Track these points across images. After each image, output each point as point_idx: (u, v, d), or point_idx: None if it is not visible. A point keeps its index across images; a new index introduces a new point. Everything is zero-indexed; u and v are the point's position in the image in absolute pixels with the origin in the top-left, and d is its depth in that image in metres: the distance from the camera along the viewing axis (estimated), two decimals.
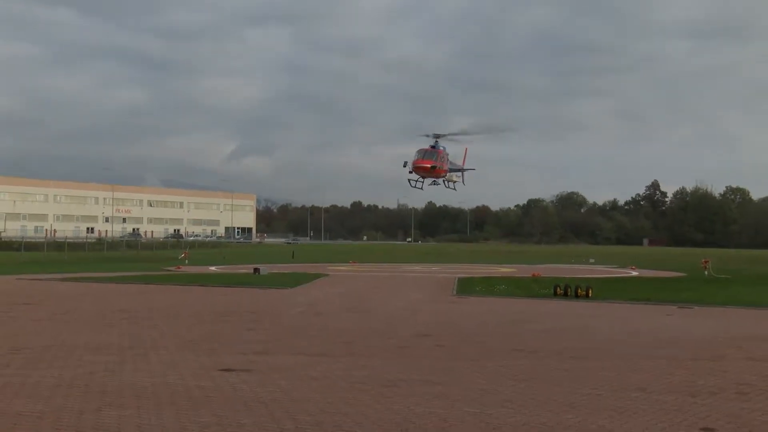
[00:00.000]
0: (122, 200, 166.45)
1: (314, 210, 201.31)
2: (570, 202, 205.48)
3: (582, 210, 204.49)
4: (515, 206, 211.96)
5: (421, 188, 44.70)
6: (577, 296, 26.43)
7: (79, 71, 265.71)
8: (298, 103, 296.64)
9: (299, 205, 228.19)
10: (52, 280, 35.06)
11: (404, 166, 42.49)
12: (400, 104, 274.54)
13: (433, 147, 43.50)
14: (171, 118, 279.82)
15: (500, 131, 51.38)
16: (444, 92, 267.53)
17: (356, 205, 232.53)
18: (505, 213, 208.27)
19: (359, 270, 48.90)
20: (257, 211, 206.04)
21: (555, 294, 27.19)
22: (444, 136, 44.07)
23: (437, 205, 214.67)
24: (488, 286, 31.01)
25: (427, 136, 43.90)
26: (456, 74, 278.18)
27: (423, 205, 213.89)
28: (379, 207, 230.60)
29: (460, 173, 47.06)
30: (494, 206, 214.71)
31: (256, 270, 40.07)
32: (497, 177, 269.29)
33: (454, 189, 46.77)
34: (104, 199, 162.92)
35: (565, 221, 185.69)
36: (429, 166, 42.72)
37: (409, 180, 43.64)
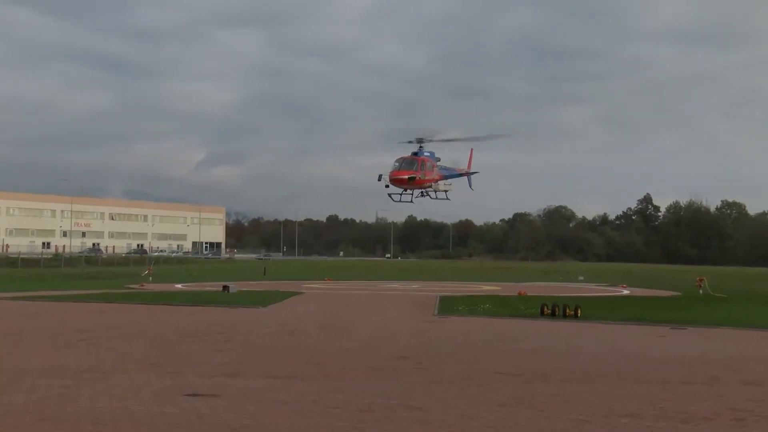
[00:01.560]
0: (81, 213, 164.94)
1: (288, 224, 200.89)
2: (558, 216, 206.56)
3: (571, 225, 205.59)
4: (500, 221, 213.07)
5: (411, 201, 42.38)
6: (565, 316, 26.48)
7: (35, 74, 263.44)
8: (272, 109, 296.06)
9: (272, 219, 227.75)
10: (3, 299, 34.59)
11: (379, 180, 39.93)
12: (380, 110, 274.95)
13: (415, 154, 41.20)
14: (135, 124, 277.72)
15: (495, 137, 48.91)
16: (426, 97, 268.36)
17: (332, 219, 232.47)
18: (489, 228, 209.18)
19: (335, 288, 48.75)
20: (227, 224, 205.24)
21: (542, 313, 27.20)
22: (428, 141, 41.90)
23: (418, 219, 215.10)
24: (471, 305, 30.94)
25: (410, 142, 41.70)
26: (438, 79, 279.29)
27: (403, 219, 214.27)
28: (357, 221, 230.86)
29: (451, 180, 44.10)
30: (478, 220, 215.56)
31: (225, 288, 39.84)
32: (481, 189, 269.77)
33: (447, 198, 43.69)
34: (62, 211, 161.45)
35: (552, 236, 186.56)
36: (407, 177, 40.03)
37: (389, 195, 41.41)
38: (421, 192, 42.34)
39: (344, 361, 15.72)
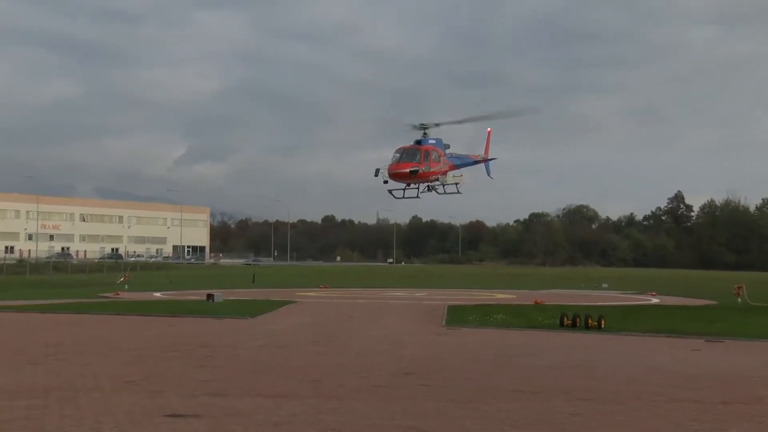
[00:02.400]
0: (49, 214, 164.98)
1: (279, 225, 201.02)
2: (579, 216, 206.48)
3: (593, 226, 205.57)
4: (515, 222, 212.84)
5: (416, 196, 41.69)
6: (587, 327, 26.51)
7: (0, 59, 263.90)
8: (259, 99, 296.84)
9: (261, 220, 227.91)
10: None
11: (376, 175, 39.05)
12: (378, 101, 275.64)
13: (418, 143, 40.39)
14: (108, 115, 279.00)
15: (515, 115, 46.75)
16: (429, 87, 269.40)
17: (328, 220, 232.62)
18: (502, 229, 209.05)
19: (331, 296, 48.76)
20: (211, 226, 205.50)
21: (561, 325, 27.25)
22: (432, 126, 40.94)
23: (424, 220, 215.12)
24: (483, 316, 30.99)
25: (414, 127, 40.96)
26: (443, 66, 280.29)
27: (407, 220, 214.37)
28: (356, 222, 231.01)
29: (463, 171, 43.11)
30: (490, 221, 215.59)
31: (209, 296, 39.88)
32: (493, 187, 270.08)
33: (458, 192, 42.46)
34: (27, 212, 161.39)
35: (573, 239, 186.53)
36: (408, 170, 39.22)
37: (390, 192, 40.97)
38: (427, 186, 41.53)
39: (342, 379, 15.68)
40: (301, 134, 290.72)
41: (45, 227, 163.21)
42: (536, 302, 40.54)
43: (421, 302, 42.93)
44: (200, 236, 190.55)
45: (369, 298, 46.61)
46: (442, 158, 41.04)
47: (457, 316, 31.59)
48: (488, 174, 46.28)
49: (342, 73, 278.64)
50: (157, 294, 49.47)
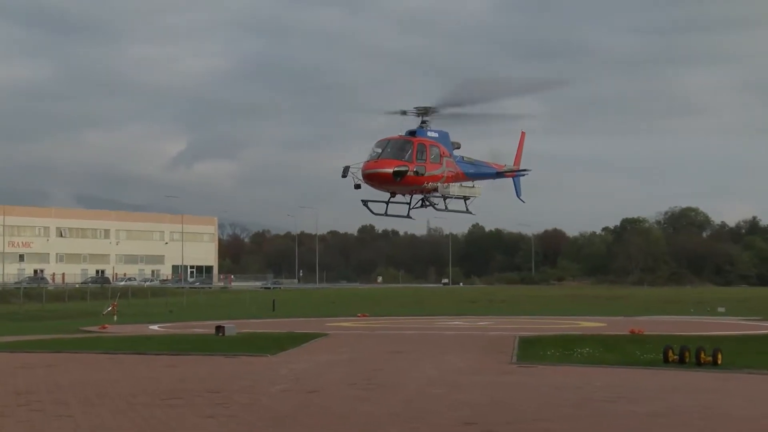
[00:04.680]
0: (18, 228, 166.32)
1: (304, 239, 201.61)
2: (685, 222, 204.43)
3: (704, 234, 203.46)
4: (603, 230, 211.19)
5: (407, 215, 38.68)
6: (699, 364, 26.23)
7: None
8: (276, 80, 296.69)
9: (282, 232, 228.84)
10: None
11: (344, 176, 35.75)
12: (422, 79, 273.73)
13: (412, 133, 36.77)
14: (87, 103, 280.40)
15: (546, 88, 43.69)
16: (486, 60, 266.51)
17: (366, 231, 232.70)
18: (587, 240, 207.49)
19: (372, 326, 48.75)
20: (220, 241, 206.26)
21: (666, 360, 26.99)
22: (437, 112, 37.37)
23: (486, 230, 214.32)
24: (564, 349, 30.87)
25: (403, 113, 37.51)
26: (504, 33, 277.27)
27: (465, 230, 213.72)
28: (401, 233, 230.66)
29: (479, 183, 39.68)
30: (571, 230, 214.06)
31: (219, 329, 40.05)
32: (574, 187, 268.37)
33: (468, 211, 39.39)
34: None
35: (678, 251, 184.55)
36: (391, 171, 35.00)
37: (365, 204, 37.80)
38: (422, 199, 37.92)
39: (386, 429, 15.70)
40: (329, 123, 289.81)
41: (12, 245, 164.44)
42: (632, 332, 40.13)
43: (484, 333, 42.77)
44: (206, 254, 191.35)
45: (419, 329, 46.50)
46: (445, 159, 37.19)
47: (531, 350, 31.44)
48: (517, 194, 42.69)
49: (376, 46, 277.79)
50: (154, 327, 49.77)
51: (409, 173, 35.11)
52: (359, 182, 35.42)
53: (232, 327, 40.66)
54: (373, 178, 35.15)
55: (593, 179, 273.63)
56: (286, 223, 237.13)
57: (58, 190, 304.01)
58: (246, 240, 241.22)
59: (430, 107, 37.13)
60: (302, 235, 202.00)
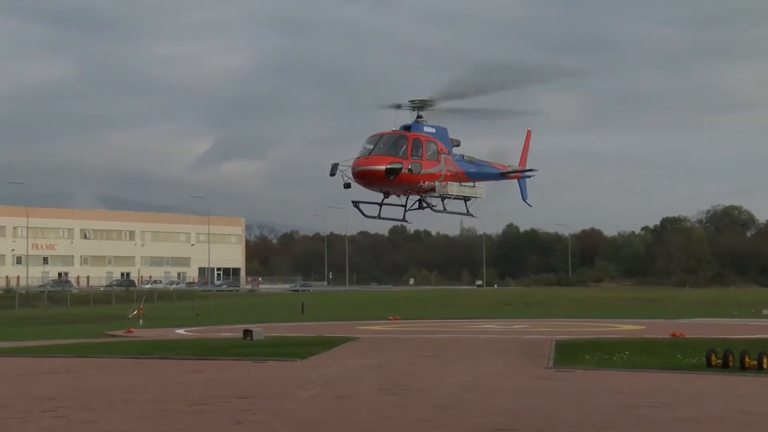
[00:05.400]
0: (42, 230, 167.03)
1: (334, 240, 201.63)
2: (728, 221, 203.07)
3: (748, 233, 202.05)
4: (642, 229, 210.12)
5: (402, 218, 37.25)
6: (744, 368, 26.07)
7: None
8: (304, 77, 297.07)
9: (310, 233, 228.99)
10: None
11: (332, 174, 33.91)
12: (452, 74, 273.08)
13: (407, 128, 34.77)
14: (111, 103, 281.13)
15: (553, 78, 40.86)
16: (519, 54, 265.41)
17: (397, 232, 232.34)
18: (626, 240, 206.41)
19: (404, 330, 48.77)
20: (247, 242, 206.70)
21: (709, 365, 26.88)
22: (434, 107, 35.52)
23: (521, 230, 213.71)
24: (603, 353, 30.79)
25: (397, 107, 35.43)
26: (537, 27, 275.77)
27: (499, 230, 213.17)
28: (433, 234, 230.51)
29: (481, 184, 38.00)
30: (609, 230, 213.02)
31: (246, 333, 40.18)
32: (612, 185, 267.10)
33: (468, 213, 37.67)
34: (14, 228, 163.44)
35: (721, 251, 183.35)
36: (383, 168, 32.98)
37: (355, 205, 36.12)
38: (419, 200, 36.16)
39: None
40: (359, 120, 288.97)
41: (36, 247, 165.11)
42: (674, 335, 40.06)
43: (520, 337, 42.72)
44: (233, 255, 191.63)
45: (453, 333, 46.51)
46: (443, 156, 35.29)
47: (569, 354, 31.35)
48: (523, 197, 40.84)
49: (405, 41, 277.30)
50: (180, 330, 50.03)
51: (403, 171, 33.18)
52: (349, 181, 33.64)
53: (260, 331, 40.81)
54: (363, 176, 33.16)
55: (631, 177, 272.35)
56: (315, 224, 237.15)
57: (82, 191, 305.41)
58: (274, 241, 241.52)
59: (426, 100, 35.18)
60: (332, 236, 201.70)
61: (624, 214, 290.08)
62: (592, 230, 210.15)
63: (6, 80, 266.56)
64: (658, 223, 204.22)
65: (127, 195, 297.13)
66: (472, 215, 37.99)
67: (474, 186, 37.52)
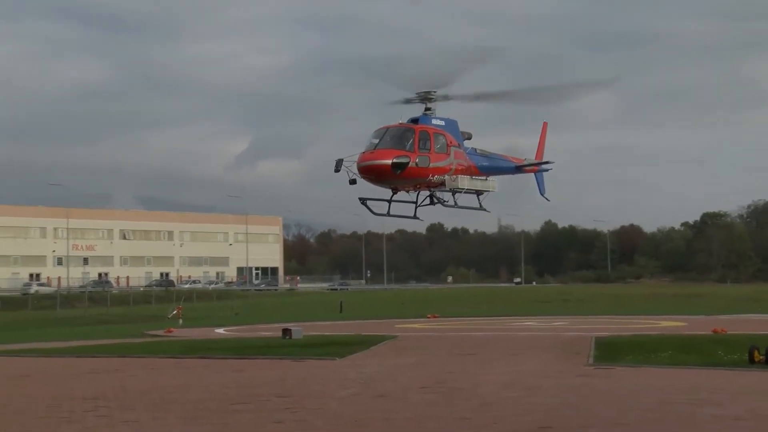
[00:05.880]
0: (81, 231, 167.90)
1: (371, 238, 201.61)
2: None
3: None
4: (682, 225, 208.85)
5: (414, 215, 35.58)
6: None
7: (6, 37, 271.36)
8: (339, 74, 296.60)
9: (348, 232, 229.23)
10: None
11: (337, 170, 32.59)
12: (489, 71, 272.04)
13: (414, 121, 33.78)
14: (148, 103, 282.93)
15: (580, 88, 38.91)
16: (554, 50, 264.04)
17: (435, 230, 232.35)
18: (666, 236, 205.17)
19: (442, 328, 48.74)
20: (285, 241, 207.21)
21: (751, 361, 26.65)
22: (444, 98, 34.53)
23: (560, 226, 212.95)
24: (643, 350, 30.66)
25: (407, 101, 34.59)
26: (572, 22, 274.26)
27: (537, 227, 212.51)
28: (471, 231, 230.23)
29: (490, 178, 36.36)
30: (649, 226, 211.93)
31: (285, 332, 40.32)
32: (651, 180, 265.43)
33: (481, 207, 36.28)
34: (54, 229, 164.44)
35: (763, 246, 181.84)
36: (389, 162, 31.83)
37: (362, 202, 34.75)
38: (430, 195, 35.05)
39: None
40: (395, 118, 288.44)
41: (76, 248, 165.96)
42: (715, 331, 39.82)
43: (559, 334, 42.61)
44: (271, 255, 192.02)
45: (491, 330, 46.42)
46: (453, 149, 34.00)
47: (609, 351, 31.24)
48: (541, 192, 39.56)
49: (439, 38, 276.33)
50: (220, 330, 50.24)
51: (410, 165, 31.85)
52: (354, 177, 32.44)
53: (298, 330, 40.94)
54: (369, 171, 31.99)
55: (670, 172, 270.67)
56: (353, 223, 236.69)
57: (121, 191, 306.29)
58: (311, 240, 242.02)
59: (433, 91, 33.99)
60: (369, 234, 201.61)
61: (663, 210, 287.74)
62: (631, 226, 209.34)
63: (46, 82, 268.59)
64: (698, 218, 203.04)
65: (165, 195, 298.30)
66: (484, 210, 36.39)
67: (486, 179, 36.08)
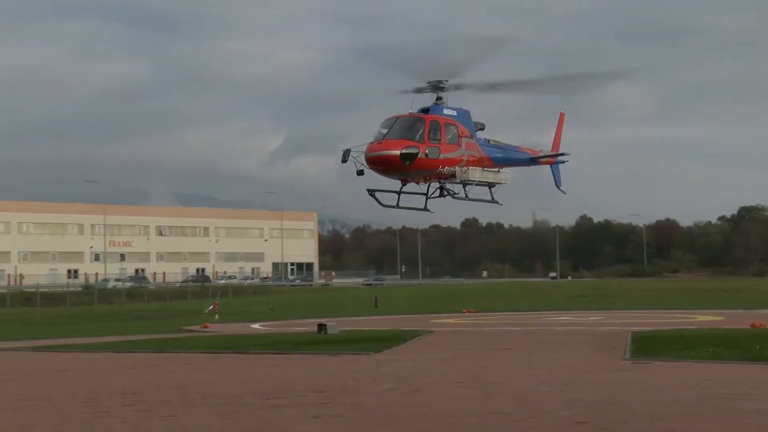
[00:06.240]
0: (118, 227, 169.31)
1: (406, 233, 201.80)
2: None
3: None
4: (719, 219, 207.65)
5: (424, 207, 35.31)
6: None
7: (47, 35, 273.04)
8: (371, 70, 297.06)
9: (383, 227, 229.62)
10: (19, 350, 36.18)
11: (344, 161, 32.36)
12: (525, 66, 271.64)
13: (425, 111, 33.26)
14: (183, 100, 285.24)
15: (599, 79, 38.60)
16: (592, 45, 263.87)
17: (470, 225, 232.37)
18: (703, 230, 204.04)
19: (477, 323, 48.68)
20: (320, 237, 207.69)
21: None
22: (456, 87, 34.01)
23: (595, 221, 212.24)
24: (681, 345, 30.50)
25: (419, 91, 34.09)
26: (610, 17, 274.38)
27: (572, 222, 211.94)
28: (506, 226, 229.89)
29: (503, 170, 36.01)
30: (685, 220, 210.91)
31: (321, 327, 40.39)
32: (687, 174, 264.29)
33: (493, 200, 36.09)
34: (91, 226, 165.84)
35: None
36: (398, 153, 31.26)
37: (371, 194, 34.59)
38: (440, 187, 34.60)
39: (496, 429, 15.67)
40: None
41: (114, 244, 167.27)
42: (753, 326, 39.60)
43: (595, 329, 42.47)
44: (307, 250, 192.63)
45: (527, 325, 46.36)
46: (464, 140, 33.54)
47: (646, 346, 31.11)
48: (557, 184, 39.53)
49: (478, 32, 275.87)
50: (256, 325, 50.44)
51: (420, 156, 31.38)
52: (362, 167, 32.02)
53: (334, 325, 41.01)
54: (377, 162, 31.55)
55: (707, 166, 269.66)
56: (387, 218, 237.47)
57: (157, 188, 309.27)
58: (346, 235, 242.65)
59: (444, 80, 33.50)
60: (404, 229, 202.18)
61: (700, 204, 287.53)
62: (667, 221, 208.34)
63: (85, 80, 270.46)
64: (735, 212, 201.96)
65: (200, 191, 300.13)
66: (497, 202, 36.18)
67: (498, 171, 35.70)
